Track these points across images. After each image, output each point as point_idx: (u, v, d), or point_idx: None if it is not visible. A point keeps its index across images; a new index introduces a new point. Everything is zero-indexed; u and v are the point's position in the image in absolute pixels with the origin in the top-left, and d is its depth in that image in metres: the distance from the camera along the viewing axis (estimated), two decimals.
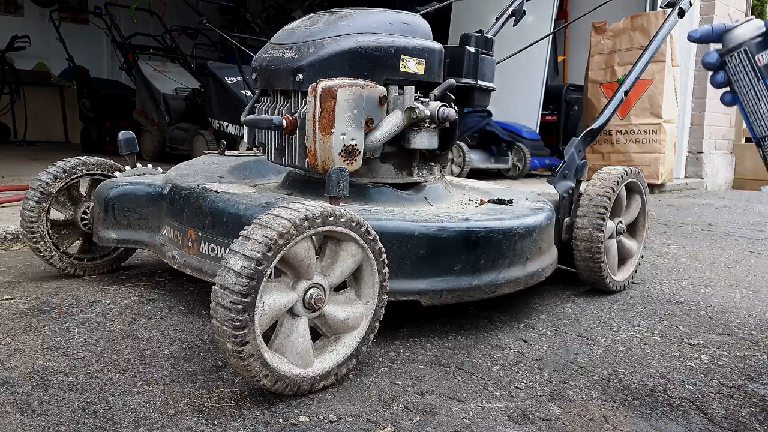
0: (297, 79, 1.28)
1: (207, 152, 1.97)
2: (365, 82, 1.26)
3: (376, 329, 1.08)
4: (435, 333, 1.30)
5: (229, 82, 4.45)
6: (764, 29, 0.94)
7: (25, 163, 4.43)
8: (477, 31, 1.54)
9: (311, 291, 0.96)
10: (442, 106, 1.34)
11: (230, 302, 0.85)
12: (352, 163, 1.26)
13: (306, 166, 1.30)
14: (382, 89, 1.29)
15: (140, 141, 4.92)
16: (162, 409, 0.91)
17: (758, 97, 0.96)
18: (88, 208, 1.60)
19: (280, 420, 0.90)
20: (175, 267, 1.34)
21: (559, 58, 6.15)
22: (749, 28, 0.95)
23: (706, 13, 5.44)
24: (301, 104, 1.30)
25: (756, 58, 0.94)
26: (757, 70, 0.95)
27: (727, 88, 0.98)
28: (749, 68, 0.95)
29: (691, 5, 1.78)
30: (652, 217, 3.29)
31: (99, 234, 1.51)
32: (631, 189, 1.72)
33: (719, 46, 0.99)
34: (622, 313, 1.51)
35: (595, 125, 1.64)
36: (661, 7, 2.84)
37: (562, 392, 1.04)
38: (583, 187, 1.63)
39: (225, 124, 4.49)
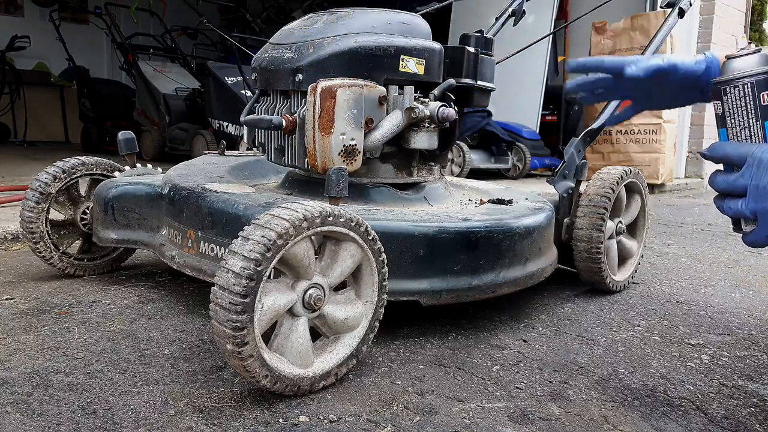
0: (296, 79, 1.28)
1: (207, 152, 1.97)
2: (365, 82, 1.26)
3: (376, 329, 1.08)
4: (435, 333, 1.29)
5: (229, 82, 4.45)
6: None
7: (25, 163, 4.43)
8: (477, 31, 1.54)
9: (311, 291, 0.96)
10: (441, 106, 1.34)
11: (229, 303, 0.85)
12: (351, 163, 1.26)
13: (306, 166, 1.30)
14: (381, 89, 1.29)
15: (140, 141, 4.92)
16: (162, 409, 0.91)
17: (751, 138, 0.87)
18: (87, 208, 1.60)
19: (280, 420, 0.90)
20: (175, 267, 1.34)
21: (559, 58, 6.15)
22: (755, 61, 0.87)
23: (707, 12, 5.44)
24: (301, 104, 1.30)
25: (761, 95, 0.85)
26: (759, 108, 0.86)
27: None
28: (750, 104, 0.86)
29: (691, 5, 1.77)
30: (652, 217, 3.29)
31: (99, 234, 1.51)
32: (631, 189, 1.72)
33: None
34: (622, 313, 1.51)
35: (595, 125, 1.64)
36: (661, 7, 2.84)
37: (562, 392, 1.04)
38: (583, 187, 1.63)
39: (225, 124, 4.49)
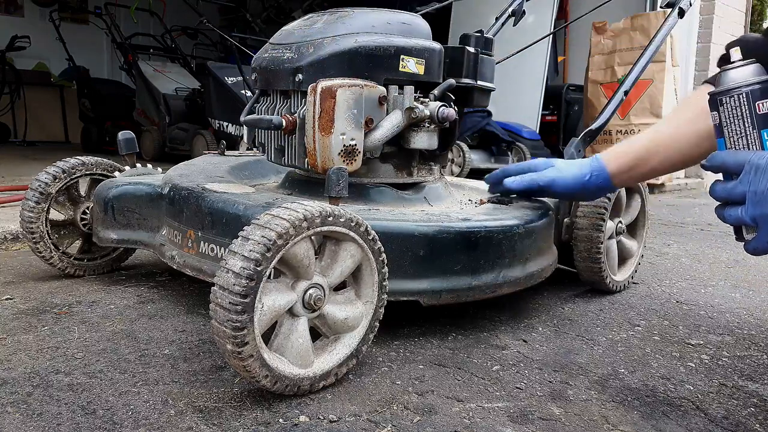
0: (296, 79, 1.28)
1: (207, 152, 1.97)
2: (365, 82, 1.26)
3: (376, 329, 1.08)
4: (435, 333, 1.29)
5: (229, 82, 4.45)
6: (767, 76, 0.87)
7: (25, 163, 4.43)
8: (477, 31, 1.54)
9: (311, 291, 0.96)
10: (441, 106, 1.34)
11: (229, 303, 0.85)
12: (351, 163, 1.26)
13: (306, 166, 1.30)
14: (381, 89, 1.29)
15: (140, 141, 4.92)
16: (162, 409, 0.91)
17: (748, 146, 0.87)
18: (87, 208, 1.60)
19: (280, 420, 0.90)
20: (175, 267, 1.34)
21: (559, 58, 6.15)
22: (750, 72, 0.88)
23: (706, 13, 5.44)
24: (301, 104, 1.30)
25: (756, 104, 0.86)
26: (756, 117, 0.87)
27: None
28: (747, 114, 0.87)
29: (691, 5, 1.77)
30: (652, 217, 3.29)
31: (99, 234, 1.51)
32: (631, 189, 1.72)
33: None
34: (622, 313, 1.51)
35: (595, 125, 1.63)
36: (661, 7, 2.84)
37: (562, 392, 1.04)
38: None
39: (225, 124, 4.49)
